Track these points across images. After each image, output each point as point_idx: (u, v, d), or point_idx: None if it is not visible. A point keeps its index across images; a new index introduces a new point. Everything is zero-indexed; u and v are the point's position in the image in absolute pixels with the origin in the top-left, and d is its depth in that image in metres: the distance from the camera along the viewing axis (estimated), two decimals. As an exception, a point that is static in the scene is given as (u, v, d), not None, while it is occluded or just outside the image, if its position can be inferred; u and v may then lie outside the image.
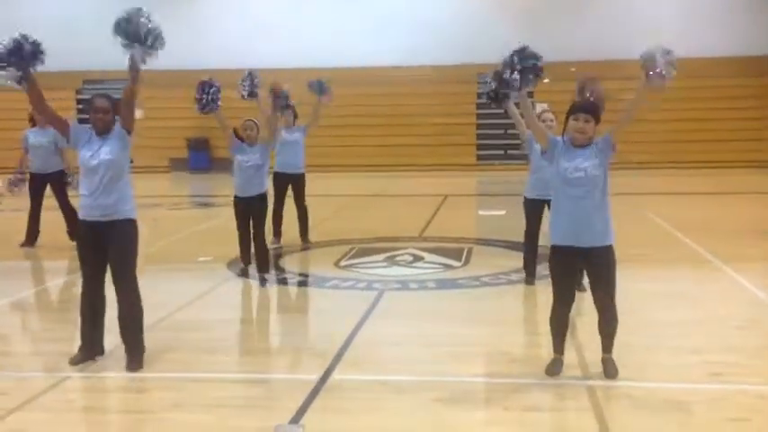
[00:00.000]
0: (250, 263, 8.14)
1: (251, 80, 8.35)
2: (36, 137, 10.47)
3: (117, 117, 5.44)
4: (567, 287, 5.07)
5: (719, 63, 23.62)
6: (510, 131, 24.42)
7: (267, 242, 8.20)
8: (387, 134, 24.21)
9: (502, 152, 24.43)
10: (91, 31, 25.15)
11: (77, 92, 26.00)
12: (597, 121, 4.96)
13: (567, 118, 5.04)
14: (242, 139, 8.00)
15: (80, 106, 25.91)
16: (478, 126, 24.57)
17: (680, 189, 17.51)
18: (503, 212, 14.21)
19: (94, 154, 5.31)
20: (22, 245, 10.37)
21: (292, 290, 8.12)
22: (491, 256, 9.52)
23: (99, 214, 5.30)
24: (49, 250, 10.41)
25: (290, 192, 10.20)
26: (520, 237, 10.57)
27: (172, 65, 26.38)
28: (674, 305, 6.94)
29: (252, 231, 7.97)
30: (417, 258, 9.37)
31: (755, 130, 22.69)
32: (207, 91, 7.54)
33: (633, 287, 7.26)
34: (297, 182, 10.17)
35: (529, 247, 7.65)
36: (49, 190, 10.48)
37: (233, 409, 4.69)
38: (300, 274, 8.81)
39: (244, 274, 8.13)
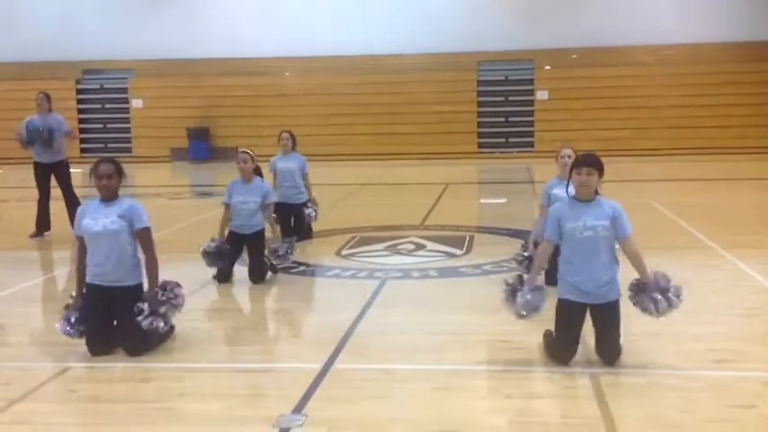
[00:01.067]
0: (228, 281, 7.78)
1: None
2: (34, 124, 10.41)
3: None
4: (570, 341, 5.03)
5: (722, 49, 23.56)
6: (511, 119, 24.46)
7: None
8: (388, 122, 24.19)
9: (503, 140, 24.43)
10: (90, 22, 25.24)
11: (77, 81, 25.98)
12: (601, 173, 4.96)
13: (570, 171, 5.07)
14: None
15: (79, 96, 25.92)
16: (479, 114, 24.55)
17: (683, 176, 17.49)
18: (504, 200, 14.21)
19: (96, 221, 5.36)
20: (32, 235, 10.37)
21: (294, 279, 8.11)
22: (493, 244, 9.51)
23: (105, 281, 5.41)
24: (53, 240, 10.42)
25: None
26: (521, 224, 10.64)
27: (172, 54, 26.46)
28: (677, 292, 6.93)
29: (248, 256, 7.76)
30: (419, 247, 9.37)
31: (759, 116, 22.64)
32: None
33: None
34: (299, 212, 9.85)
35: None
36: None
37: (237, 398, 4.70)
38: (302, 264, 8.80)
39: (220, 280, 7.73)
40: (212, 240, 7.68)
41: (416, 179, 18.39)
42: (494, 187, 17.50)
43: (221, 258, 7.60)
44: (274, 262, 7.79)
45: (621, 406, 4.37)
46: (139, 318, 5.28)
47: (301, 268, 8.55)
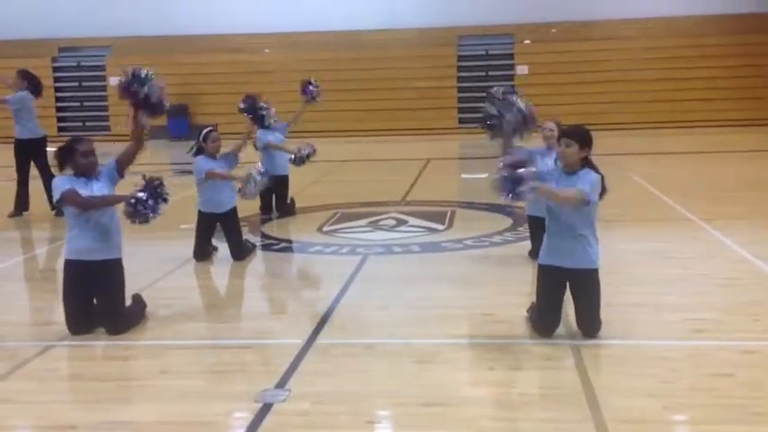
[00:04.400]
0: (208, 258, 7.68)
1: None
2: (15, 102, 10.28)
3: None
4: (551, 309, 5.05)
5: (703, 21, 23.60)
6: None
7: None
8: (368, 98, 24.07)
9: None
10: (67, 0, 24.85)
11: (53, 59, 25.63)
12: (581, 144, 4.93)
13: (558, 142, 5.13)
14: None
15: (56, 74, 25.60)
16: (460, 89, 24.47)
17: (663, 149, 17.58)
18: (485, 175, 14.20)
19: (95, 194, 5.32)
20: (10, 215, 10.29)
21: (276, 256, 8.10)
22: (474, 219, 9.54)
23: (88, 255, 5.33)
24: (31, 220, 10.33)
25: None
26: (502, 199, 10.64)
27: (149, 31, 26.15)
28: (656, 264, 7.00)
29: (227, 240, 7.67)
30: (401, 222, 9.38)
31: (740, 89, 22.71)
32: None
33: (615, 247, 7.31)
34: (279, 185, 9.71)
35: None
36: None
37: (219, 374, 4.70)
38: (284, 240, 8.79)
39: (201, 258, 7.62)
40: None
41: (397, 155, 18.37)
42: (474, 162, 17.49)
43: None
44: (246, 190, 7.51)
45: (602, 376, 4.42)
46: (132, 202, 5.23)
47: (283, 245, 8.53)
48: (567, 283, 5.04)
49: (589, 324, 5.03)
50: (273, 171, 9.62)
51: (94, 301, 5.43)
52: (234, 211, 7.68)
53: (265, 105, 9.48)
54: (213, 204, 7.57)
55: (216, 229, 7.70)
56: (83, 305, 5.38)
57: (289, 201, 10.07)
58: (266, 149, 9.75)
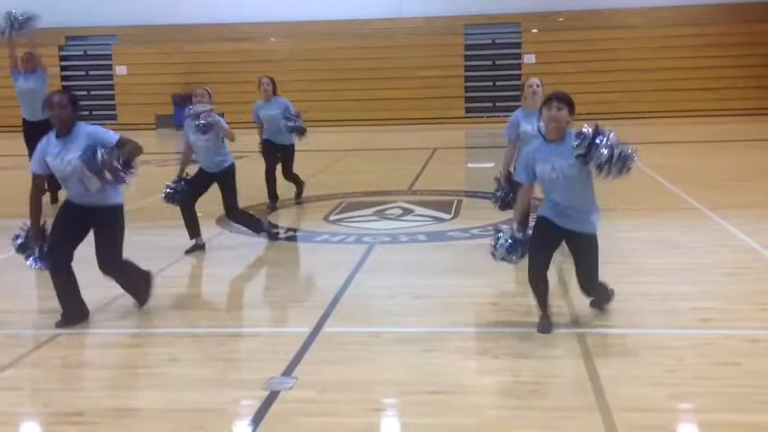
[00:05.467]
0: (198, 234, 7.63)
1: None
2: (25, 81, 10.29)
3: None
4: (542, 256, 5.01)
5: (709, 10, 23.49)
6: (498, 83, 24.37)
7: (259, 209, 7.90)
8: (374, 88, 24.03)
9: (490, 104, 24.34)
10: (72, -13, 24.83)
11: (60, 48, 25.65)
12: (571, 111, 4.88)
13: (541, 109, 4.99)
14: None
15: (63, 63, 25.63)
16: (466, 78, 24.42)
17: (669, 138, 17.53)
18: (491, 165, 14.18)
19: (63, 161, 5.20)
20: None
21: (282, 245, 8.12)
22: (480, 208, 9.53)
23: (79, 201, 5.31)
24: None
25: None
26: (509, 188, 10.64)
27: (155, 20, 26.13)
28: (663, 253, 6.99)
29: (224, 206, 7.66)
30: (407, 212, 9.38)
31: (745, 78, 22.62)
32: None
33: (622, 236, 7.31)
34: (284, 153, 9.82)
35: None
36: None
37: (226, 362, 4.72)
38: (290, 229, 8.80)
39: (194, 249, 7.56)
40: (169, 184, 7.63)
41: (404, 144, 18.34)
42: (481, 151, 17.47)
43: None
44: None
45: (608, 365, 4.42)
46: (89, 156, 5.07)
47: (289, 234, 8.55)
48: (565, 242, 5.02)
49: (587, 282, 5.02)
50: (277, 140, 9.75)
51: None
52: (230, 170, 7.58)
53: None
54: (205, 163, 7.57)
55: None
56: (67, 236, 5.30)
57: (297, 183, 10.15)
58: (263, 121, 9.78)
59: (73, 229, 5.33)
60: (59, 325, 5.32)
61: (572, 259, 5.11)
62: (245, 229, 7.98)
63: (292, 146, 9.92)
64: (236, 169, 7.69)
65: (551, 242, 5.04)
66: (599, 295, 5.12)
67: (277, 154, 9.89)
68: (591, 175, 4.90)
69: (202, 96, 7.52)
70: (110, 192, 5.30)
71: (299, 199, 10.16)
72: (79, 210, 5.32)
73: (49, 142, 5.30)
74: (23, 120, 10.47)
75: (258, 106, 9.84)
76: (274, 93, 9.84)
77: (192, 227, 7.56)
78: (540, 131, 5.09)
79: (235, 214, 7.75)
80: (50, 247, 5.32)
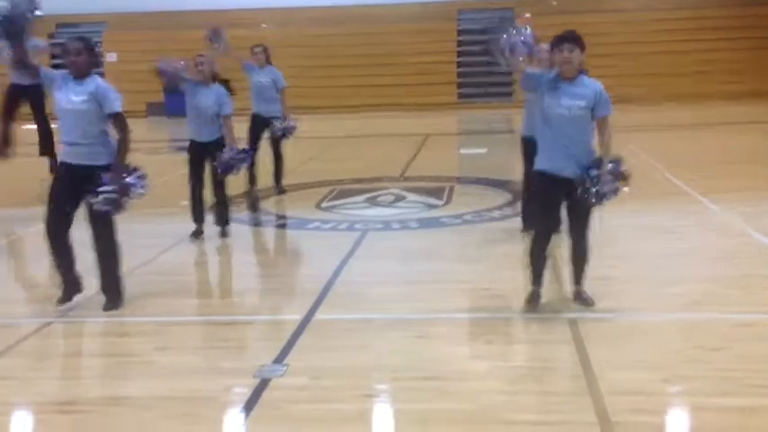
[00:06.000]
0: (203, 221, 7.50)
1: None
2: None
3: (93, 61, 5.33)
4: (549, 217, 5.02)
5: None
6: (491, 69, 24.31)
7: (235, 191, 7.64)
8: (367, 74, 23.97)
9: (482, 90, 24.31)
10: (62, -26, 24.67)
11: (50, 36, 25.46)
12: (582, 49, 4.88)
13: (551, 53, 4.97)
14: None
15: (53, 51, 25.47)
16: (459, 64, 24.38)
17: (662, 122, 17.53)
18: (484, 150, 14.21)
19: (68, 97, 5.19)
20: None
21: (274, 232, 8.11)
22: (473, 194, 9.54)
23: (77, 159, 5.23)
24: (23, 197, 10.31)
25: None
26: (501, 174, 10.66)
27: (145, 7, 25.96)
28: (654, 237, 7.00)
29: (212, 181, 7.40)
30: (399, 198, 9.37)
31: (740, 62, 22.62)
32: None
33: (613, 220, 7.31)
34: (273, 125, 9.61)
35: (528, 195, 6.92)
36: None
37: (217, 350, 4.72)
38: (282, 217, 8.79)
39: (196, 235, 7.41)
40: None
41: (396, 130, 18.31)
42: (474, 137, 17.48)
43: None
44: (220, 169, 7.24)
45: (599, 349, 4.43)
46: (98, 191, 5.07)
47: (281, 221, 8.54)
48: (564, 191, 4.96)
49: (580, 237, 5.00)
50: (262, 112, 9.55)
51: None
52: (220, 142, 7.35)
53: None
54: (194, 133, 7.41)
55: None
56: (64, 207, 5.27)
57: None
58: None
59: (68, 195, 5.27)
60: (62, 300, 5.34)
61: (562, 243, 5.10)
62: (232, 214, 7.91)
63: (280, 119, 9.63)
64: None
65: (555, 201, 4.97)
66: (584, 250, 5.06)
67: (264, 131, 9.61)
68: (593, 120, 4.91)
69: (201, 65, 7.34)
70: (102, 150, 5.25)
71: (279, 184, 9.84)
72: (72, 173, 5.24)
73: (65, 79, 5.27)
74: (11, 84, 10.34)
75: (249, 67, 9.56)
76: (267, 62, 9.68)
77: (200, 210, 7.50)
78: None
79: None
80: (48, 215, 5.29)
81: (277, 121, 9.54)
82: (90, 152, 5.23)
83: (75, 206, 5.32)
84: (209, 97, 7.27)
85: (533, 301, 5.05)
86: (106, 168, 5.22)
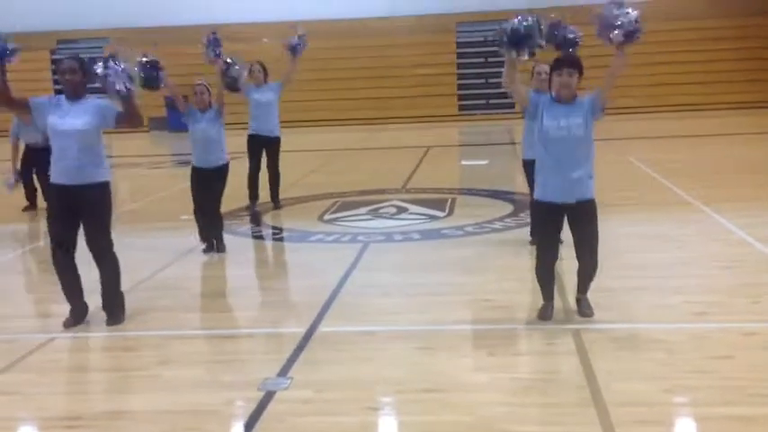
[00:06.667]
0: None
1: (215, 44, 7.86)
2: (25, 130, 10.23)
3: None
4: (551, 242, 5.09)
5: (700, 4, 23.52)
6: (491, 81, 24.37)
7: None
8: (367, 87, 24.04)
9: (484, 102, 24.36)
10: (63, -9, 24.79)
11: (51, 52, 25.59)
12: (580, 73, 4.91)
13: (550, 74, 4.99)
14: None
15: (54, 67, 25.56)
16: (459, 76, 24.45)
17: (662, 133, 17.55)
18: (485, 162, 14.23)
19: (64, 120, 5.19)
20: (25, 209, 10.34)
21: (276, 245, 8.12)
22: (474, 205, 9.54)
23: (69, 180, 5.22)
24: (31, 213, 10.35)
25: None
26: (502, 185, 10.68)
27: (147, 23, 26.10)
28: (657, 247, 6.99)
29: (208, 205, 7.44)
30: (401, 210, 9.38)
31: (740, 71, 22.66)
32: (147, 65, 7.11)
33: (616, 231, 7.32)
34: (271, 146, 9.65)
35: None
36: None
37: (221, 364, 4.72)
38: (284, 229, 8.79)
39: (209, 250, 7.49)
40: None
41: (397, 143, 18.34)
42: (475, 149, 17.50)
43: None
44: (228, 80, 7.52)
45: (603, 360, 4.42)
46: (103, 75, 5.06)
47: (283, 234, 8.54)
48: (567, 220, 5.01)
49: (591, 254, 5.01)
50: (261, 133, 9.52)
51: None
52: (223, 169, 7.48)
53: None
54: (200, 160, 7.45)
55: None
56: (68, 230, 5.30)
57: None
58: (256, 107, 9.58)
59: (69, 215, 5.28)
60: (68, 324, 5.34)
61: (566, 254, 5.11)
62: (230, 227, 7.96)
63: (278, 139, 9.69)
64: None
65: (556, 228, 5.02)
66: (594, 267, 5.08)
67: (262, 151, 9.64)
68: (592, 137, 4.91)
69: (202, 94, 7.45)
70: (96, 169, 5.26)
71: (276, 201, 9.80)
72: (68, 193, 5.23)
73: (59, 102, 5.27)
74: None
75: (250, 87, 9.49)
76: (265, 80, 9.65)
77: (206, 229, 7.56)
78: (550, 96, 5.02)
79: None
80: (53, 239, 5.31)
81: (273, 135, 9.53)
82: (87, 172, 5.23)
83: (77, 227, 5.34)
84: (209, 123, 7.37)
85: (546, 313, 5.10)
86: (102, 186, 5.26)
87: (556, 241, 5.12)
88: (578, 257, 5.09)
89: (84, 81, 5.31)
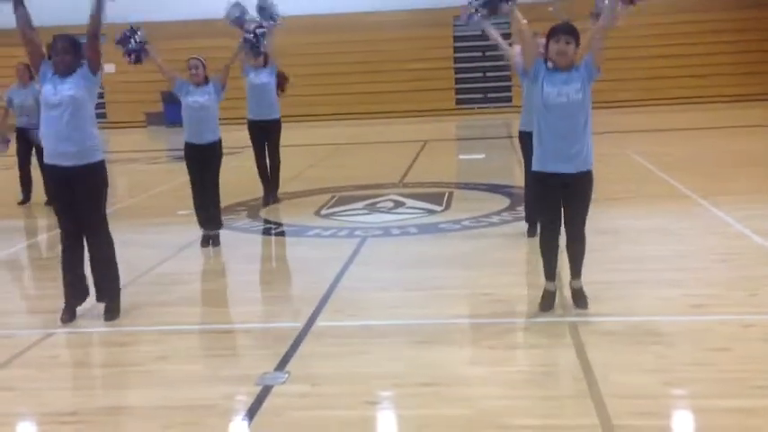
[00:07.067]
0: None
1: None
2: (20, 96, 10.31)
3: (83, 60, 5.32)
4: (553, 213, 5.01)
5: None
6: (488, 74, 24.36)
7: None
8: (363, 81, 24.01)
9: (481, 96, 24.34)
10: (60, -14, 24.72)
11: (49, 47, 25.51)
12: (577, 42, 4.88)
13: (546, 42, 4.96)
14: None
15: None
16: (456, 70, 24.41)
17: (660, 126, 17.55)
18: (482, 156, 14.21)
19: (56, 91, 5.18)
20: (21, 203, 10.35)
21: (274, 240, 8.11)
22: (472, 199, 9.54)
23: (63, 160, 5.17)
24: (30, 208, 10.34)
25: None
26: (500, 179, 10.67)
27: (143, 17, 25.93)
28: (655, 241, 6.99)
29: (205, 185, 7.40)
30: (398, 204, 9.37)
31: (739, 64, 22.63)
32: (131, 38, 7.14)
33: (613, 224, 7.31)
34: (270, 129, 9.46)
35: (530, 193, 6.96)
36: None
37: (219, 359, 4.72)
38: (282, 224, 8.78)
39: (206, 242, 7.48)
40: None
41: (394, 137, 18.33)
42: (472, 143, 17.47)
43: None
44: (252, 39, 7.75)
45: (600, 353, 4.42)
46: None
47: (281, 229, 8.54)
48: (562, 186, 4.96)
49: (579, 226, 4.99)
50: (259, 117, 9.40)
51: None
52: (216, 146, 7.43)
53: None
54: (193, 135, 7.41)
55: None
56: (68, 207, 5.26)
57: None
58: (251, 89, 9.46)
59: (68, 194, 5.23)
60: (65, 320, 5.33)
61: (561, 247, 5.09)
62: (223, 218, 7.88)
63: (278, 121, 9.51)
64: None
65: (556, 199, 4.97)
66: (584, 241, 5.06)
67: (265, 139, 9.50)
68: (590, 108, 4.90)
69: (196, 68, 7.37)
70: (90, 150, 5.22)
71: (275, 194, 9.67)
72: (63, 174, 5.19)
73: (54, 77, 5.28)
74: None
75: (249, 69, 9.40)
76: (265, 64, 9.44)
77: (204, 216, 7.55)
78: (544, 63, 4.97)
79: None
80: (59, 221, 5.30)
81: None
82: (77, 153, 5.17)
83: (78, 209, 5.28)
84: (204, 96, 7.31)
85: (547, 299, 5.07)
86: (96, 167, 5.22)
87: (558, 214, 5.01)
88: (567, 228, 5.03)
89: (76, 62, 5.31)
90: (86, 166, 5.20)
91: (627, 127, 17.06)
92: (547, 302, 5.10)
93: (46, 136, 5.25)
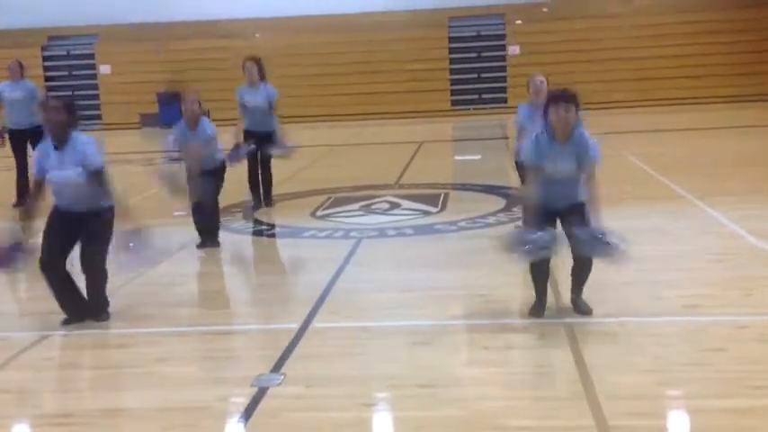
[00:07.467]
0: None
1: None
2: (12, 91, 10.26)
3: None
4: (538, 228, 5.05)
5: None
6: (483, 76, 24.38)
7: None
8: (360, 82, 24.01)
9: (476, 97, 24.35)
10: (54, -13, 24.66)
11: (42, 48, 25.49)
12: (578, 108, 4.92)
13: (546, 108, 4.97)
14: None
15: (46, 63, 25.48)
16: (452, 71, 24.43)
17: (656, 127, 17.58)
18: (478, 157, 14.23)
19: (58, 172, 5.17)
20: (15, 205, 10.29)
21: (270, 241, 8.10)
22: (467, 200, 9.54)
23: (76, 210, 5.26)
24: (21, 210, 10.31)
25: None
26: (495, 180, 10.67)
27: (138, 18, 25.96)
28: (650, 241, 6.99)
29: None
30: (394, 206, 9.37)
31: (734, 65, 22.67)
32: None
33: (609, 224, 7.29)
34: (264, 141, 9.31)
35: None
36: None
37: (215, 360, 4.71)
38: (277, 226, 8.78)
39: (202, 243, 7.50)
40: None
41: (390, 138, 18.33)
42: (468, 144, 17.49)
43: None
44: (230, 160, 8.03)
45: (596, 354, 4.43)
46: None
47: (277, 230, 8.53)
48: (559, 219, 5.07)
49: (582, 240, 4.96)
50: (255, 128, 9.30)
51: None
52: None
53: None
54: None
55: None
56: (61, 242, 5.28)
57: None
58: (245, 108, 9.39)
59: (66, 234, 5.28)
60: (67, 321, 5.33)
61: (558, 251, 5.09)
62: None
63: (274, 133, 9.38)
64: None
65: (550, 222, 5.04)
66: (589, 268, 5.08)
67: (258, 149, 9.38)
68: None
69: (192, 104, 7.37)
70: (99, 199, 5.28)
71: (267, 200, 9.61)
72: (70, 216, 5.27)
73: (49, 155, 5.23)
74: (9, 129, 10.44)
75: (242, 92, 9.32)
76: (261, 78, 9.30)
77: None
78: (544, 129, 5.03)
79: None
80: (45, 254, 5.26)
81: (272, 147, 9.32)
82: (89, 204, 5.25)
83: (73, 244, 5.34)
84: (199, 137, 7.39)
85: (538, 310, 5.09)
86: (106, 211, 5.27)
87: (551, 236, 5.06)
88: (574, 255, 5.07)
89: (69, 123, 5.21)
90: (97, 211, 5.26)
91: (622, 128, 17.08)
92: (537, 311, 5.09)
93: (58, 198, 5.30)
